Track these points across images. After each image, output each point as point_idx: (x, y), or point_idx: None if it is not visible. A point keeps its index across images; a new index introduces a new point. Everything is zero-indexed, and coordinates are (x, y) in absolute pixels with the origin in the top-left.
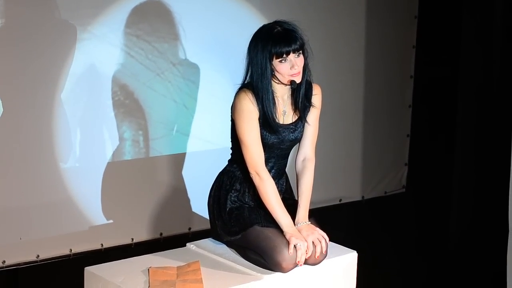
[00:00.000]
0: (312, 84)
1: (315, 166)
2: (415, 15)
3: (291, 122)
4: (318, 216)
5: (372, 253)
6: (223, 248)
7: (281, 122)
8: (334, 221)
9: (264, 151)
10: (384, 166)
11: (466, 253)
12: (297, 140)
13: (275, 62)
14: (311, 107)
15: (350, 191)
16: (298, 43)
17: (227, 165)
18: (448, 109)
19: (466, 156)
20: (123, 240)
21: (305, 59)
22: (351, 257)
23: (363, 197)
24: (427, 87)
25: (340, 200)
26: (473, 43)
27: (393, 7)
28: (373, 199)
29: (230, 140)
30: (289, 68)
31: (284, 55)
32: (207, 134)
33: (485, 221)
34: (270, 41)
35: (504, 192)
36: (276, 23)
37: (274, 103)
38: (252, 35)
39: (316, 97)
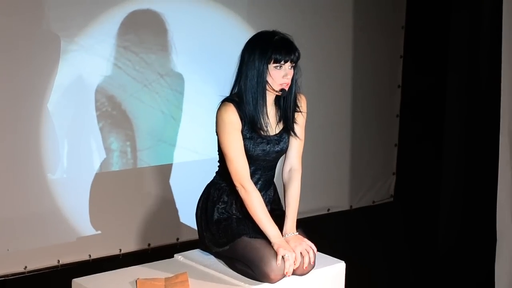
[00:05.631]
0: (298, 95)
1: (303, 175)
2: (402, 26)
3: (275, 133)
4: (306, 225)
5: (361, 262)
6: (211, 259)
7: (265, 133)
8: (322, 230)
9: (250, 163)
10: (372, 175)
11: (455, 262)
12: (283, 152)
13: (271, 67)
14: (300, 113)
15: (338, 200)
16: (296, 54)
17: (214, 177)
18: (436, 118)
19: (453, 164)
20: (111, 250)
21: (295, 74)
22: (339, 267)
23: (351, 206)
24: (414, 97)
25: (328, 210)
26: (461, 53)
27: (381, 17)
28: (361, 209)
29: (216, 142)
30: (282, 76)
31: (282, 62)
32: (194, 144)
33: (474, 229)
34: (271, 46)
35: (492, 200)
36: (275, 32)
37: (266, 106)
38: (248, 40)
39: (302, 105)
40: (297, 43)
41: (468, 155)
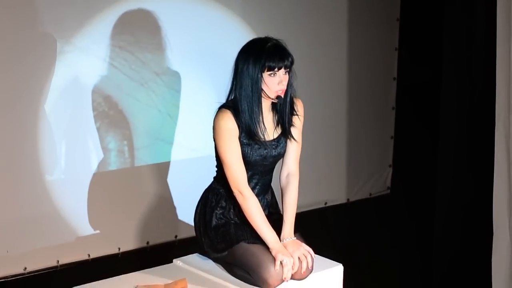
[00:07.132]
0: (294, 99)
1: (300, 169)
2: (397, 18)
3: (272, 138)
4: (304, 219)
5: (358, 254)
6: (210, 264)
7: (262, 139)
8: (319, 224)
9: (247, 168)
10: (368, 168)
11: (452, 254)
12: (280, 156)
13: (265, 75)
14: (296, 117)
15: (335, 194)
16: (290, 60)
17: (212, 182)
18: (432, 110)
19: (450, 156)
20: (110, 250)
21: (290, 78)
22: (336, 270)
23: (348, 199)
24: (410, 89)
25: (326, 203)
26: (456, 44)
27: (375, 10)
28: (358, 201)
29: (214, 147)
30: (277, 83)
31: (276, 69)
32: (191, 142)
33: (470, 221)
34: (264, 54)
35: (488, 190)
36: (268, 38)
37: (262, 114)
38: (241, 48)
39: (299, 109)
40: (291, 38)
41: (463, 146)
